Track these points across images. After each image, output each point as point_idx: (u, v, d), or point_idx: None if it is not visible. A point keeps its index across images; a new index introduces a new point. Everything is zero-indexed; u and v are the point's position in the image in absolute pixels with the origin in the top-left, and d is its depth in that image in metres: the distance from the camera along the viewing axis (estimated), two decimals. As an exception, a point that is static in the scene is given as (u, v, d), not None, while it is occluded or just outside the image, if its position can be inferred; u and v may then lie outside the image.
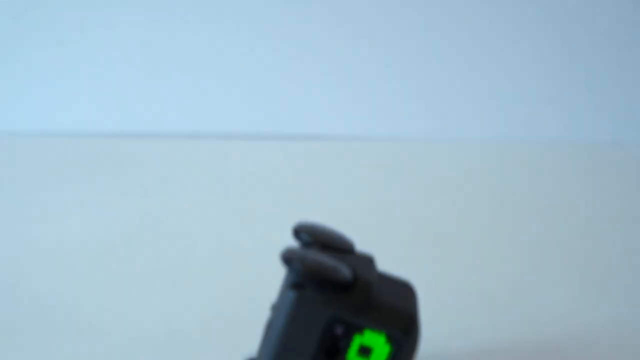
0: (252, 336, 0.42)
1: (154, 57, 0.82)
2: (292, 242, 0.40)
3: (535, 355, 0.46)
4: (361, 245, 0.42)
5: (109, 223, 0.62)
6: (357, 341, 0.37)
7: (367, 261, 0.41)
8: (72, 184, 0.69)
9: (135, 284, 0.54)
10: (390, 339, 0.37)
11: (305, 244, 0.41)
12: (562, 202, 0.68)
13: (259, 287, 0.49)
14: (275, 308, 0.39)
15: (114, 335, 0.47)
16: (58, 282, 0.54)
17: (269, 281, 0.44)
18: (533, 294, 0.54)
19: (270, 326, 0.38)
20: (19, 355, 0.45)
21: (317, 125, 0.82)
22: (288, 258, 0.37)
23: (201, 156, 0.75)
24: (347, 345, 0.37)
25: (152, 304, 0.51)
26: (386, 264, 0.42)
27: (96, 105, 0.83)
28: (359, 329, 0.37)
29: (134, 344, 0.46)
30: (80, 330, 0.48)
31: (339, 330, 0.37)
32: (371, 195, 0.69)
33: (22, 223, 0.62)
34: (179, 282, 0.54)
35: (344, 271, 0.37)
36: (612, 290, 0.54)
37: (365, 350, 0.37)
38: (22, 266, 0.56)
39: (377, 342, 0.37)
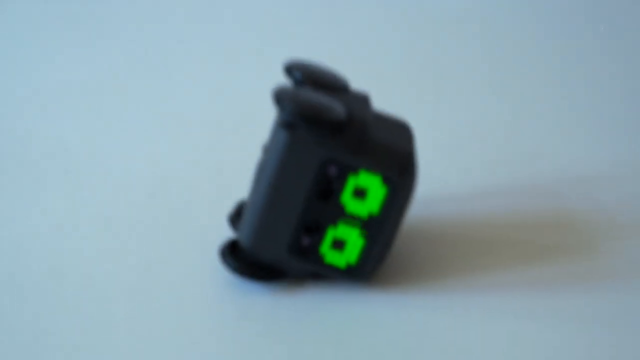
0: (245, 180, 0.41)
1: None
2: (283, 81, 0.38)
3: (534, 197, 0.46)
4: (356, 84, 0.41)
5: (98, 64, 0.61)
6: (352, 182, 0.36)
7: (362, 100, 0.39)
8: (58, 24, 0.68)
9: (125, 127, 0.53)
10: (386, 180, 0.36)
11: (297, 82, 0.39)
12: (564, 42, 0.67)
13: (251, 129, 0.48)
14: (267, 149, 0.37)
15: (102, 178, 0.47)
16: (45, 124, 0.53)
17: (261, 123, 0.43)
18: (533, 135, 0.53)
19: (261, 168, 0.37)
20: (3, 200, 0.45)
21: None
22: (279, 96, 0.35)
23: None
24: (342, 187, 0.36)
25: (142, 147, 0.50)
26: (382, 104, 0.42)
27: None
28: (354, 170, 0.36)
29: (123, 188, 0.46)
30: (68, 173, 0.47)
31: (332, 172, 0.36)
32: (367, 34, 0.68)
33: (6, 65, 0.61)
34: (168, 126, 0.53)
35: (338, 110, 0.36)
36: (612, 132, 0.54)
37: (360, 192, 0.36)
38: (6, 108, 0.55)
39: (373, 184, 0.36)
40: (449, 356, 0.34)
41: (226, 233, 0.41)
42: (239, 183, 0.44)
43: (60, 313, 0.36)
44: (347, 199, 0.36)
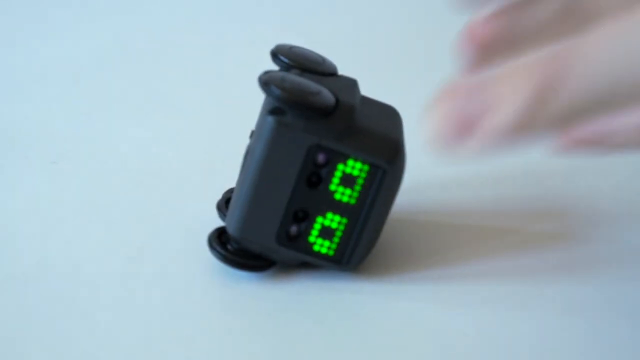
0: (234, 167, 0.40)
1: None
2: (270, 67, 0.38)
3: (522, 185, 0.46)
4: (344, 70, 0.41)
5: (83, 48, 0.60)
6: (340, 169, 0.36)
7: (351, 85, 0.39)
8: (42, 5, 0.67)
9: (111, 112, 0.52)
10: (375, 167, 0.35)
11: (285, 68, 0.39)
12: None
13: (239, 115, 0.46)
14: (254, 135, 0.37)
15: (89, 165, 0.47)
16: (28, 109, 0.52)
17: (250, 109, 0.41)
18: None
19: (249, 154, 0.37)
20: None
21: None
22: (266, 82, 0.35)
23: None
24: (330, 174, 0.36)
25: (128, 133, 0.50)
26: (370, 90, 0.42)
27: None
28: (342, 157, 0.35)
29: (109, 174, 0.46)
30: (53, 160, 0.47)
31: (321, 159, 0.35)
32: (356, 20, 0.68)
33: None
34: (155, 112, 0.53)
35: (326, 95, 0.36)
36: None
37: (348, 180, 0.36)
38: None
39: (361, 171, 0.36)
40: (436, 345, 0.34)
41: (215, 221, 0.40)
42: (227, 170, 0.43)
43: (47, 302, 0.36)
44: (336, 187, 0.36)
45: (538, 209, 0.43)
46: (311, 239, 0.37)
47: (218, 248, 0.37)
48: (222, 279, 0.38)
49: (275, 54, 0.39)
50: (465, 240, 0.41)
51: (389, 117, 0.39)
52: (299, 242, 0.37)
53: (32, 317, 0.35)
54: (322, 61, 0.40)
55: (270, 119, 0.35)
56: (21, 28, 0.64)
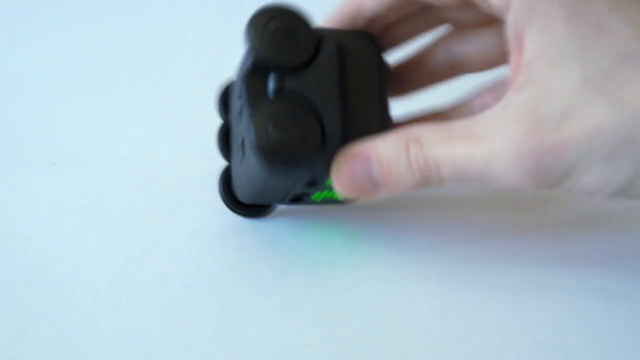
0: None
1: None
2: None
3: None
4: None
5: (81, 50, 0.60)
6: None
7: (328, 68, 0.37)
8: (40, 9, 0.67)
9: (111, 113, 0.52)
10: None
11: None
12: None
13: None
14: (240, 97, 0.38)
15: (89, 167, 0.47)
16: (28, 111, 0.52)
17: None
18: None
19: (243, 113, 0.38)
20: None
21: None
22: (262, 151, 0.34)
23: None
24: (325, 178, 0.36)
25: (128, 135, 0.50)
26: None
27: None
28: None
29: (109, 175, 0.46)
30: (53, 161, 0.47)
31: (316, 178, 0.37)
32: None
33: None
34: (155, 113, 0.53)
35: (312, 140, 0.34)
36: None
37: None
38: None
39: None
40: (436, 343, 0.35)
41: (215, 223, 0.41)
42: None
43: (47, 303, 0.36)
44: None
45: (538, 209, 0.43)
46: (314, 197, 0.39)
47: (224, 191, 0.41)
48: (222, 280, 0.38)
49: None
50: (465, 238, 0.41)
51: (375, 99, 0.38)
52: (303, 200, 0.39)
53: (32, 318, 0.35)
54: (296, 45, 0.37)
55: (264, 163, 0.34)
56: (22, 30, 0.64)
